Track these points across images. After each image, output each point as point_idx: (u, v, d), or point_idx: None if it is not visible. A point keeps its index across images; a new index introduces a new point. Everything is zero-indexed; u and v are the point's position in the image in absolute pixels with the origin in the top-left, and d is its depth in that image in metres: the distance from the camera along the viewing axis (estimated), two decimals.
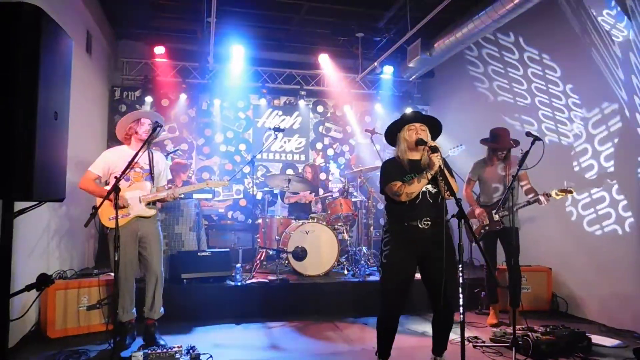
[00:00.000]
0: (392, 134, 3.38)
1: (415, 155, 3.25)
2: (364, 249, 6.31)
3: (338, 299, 5.34)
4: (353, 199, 6.66)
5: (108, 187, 3.88)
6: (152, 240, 4.03)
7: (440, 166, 3.01)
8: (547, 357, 3.76)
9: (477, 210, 4.83)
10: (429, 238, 3.14)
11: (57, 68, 1.93)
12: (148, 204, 4.01)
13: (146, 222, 4.02)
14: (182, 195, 4.40)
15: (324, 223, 6.11)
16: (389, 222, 3.31)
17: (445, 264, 2.98)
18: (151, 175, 4.08)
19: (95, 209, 3.39)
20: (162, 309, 4.11)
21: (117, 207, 3.47)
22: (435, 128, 3.37)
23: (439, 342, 3.30)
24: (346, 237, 6.42)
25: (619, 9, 4.62)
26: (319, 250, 5.83)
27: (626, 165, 4.76)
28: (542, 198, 4.47)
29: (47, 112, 1.83)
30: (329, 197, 7.00)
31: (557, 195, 4.41)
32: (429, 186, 3.17)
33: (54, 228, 4.90)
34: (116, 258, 3.45)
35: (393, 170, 3.24)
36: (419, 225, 3.14)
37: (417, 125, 3.25)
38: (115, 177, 3.59)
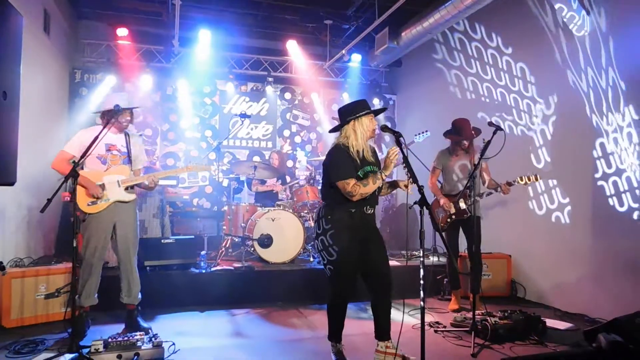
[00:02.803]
0: (353, 113, 3.26)
1: (362, 146, 3.28)
2: None
3: (303, 286, 5.36)
4: (319, 187, 6.66)
5: (84, 170, 3.84)
6: (129, 226, 4.00)
7: (405, 156, 3.05)
8: (505, 341, 3.88)
9: (442, 200, 4.90)
10: (370, 222, 3.33)
11: (4, 46, 1.84)
12: (127, 188, 3.95)
13: (124, 207, 3.97)
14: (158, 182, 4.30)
15: (290, 210, 6.11)
16: (333, 207, 3.29)
17: (381, 249, 3.32)
18: (129, 159, 4.01)
19: (52, 196, 3.28)
20: (139, 294, 4.08)
21: (75, 191, 3.39)
22: None
23: (384, 326, 3.34)
24: (312, 224, 6.44)
25: (578, 4, 4.75)
26: (285, 237, 5.83)
27: (582, 156, 4.92)
28: (503, 187, 4.59)
29: None
30: (296, 185, 6.98)
31: (522, 181, 4.51)
32: None
33: (10, 215, 4.74)
34: (74, 244, 3.37)
35: (345, 163, 3.21)
36: (366, 211, 3.29)
37: (373, 116, 3.33)
38: (75, 161, 3.49)
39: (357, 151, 3.24)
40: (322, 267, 5.54)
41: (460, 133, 4.85)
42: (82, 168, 3.87)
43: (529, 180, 4.51)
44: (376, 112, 3.37)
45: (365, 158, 3.28)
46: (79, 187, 3.66)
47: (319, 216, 3.37)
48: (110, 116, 3.82)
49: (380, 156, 3.64)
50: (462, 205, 4.79)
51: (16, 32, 1.94)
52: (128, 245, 3.99)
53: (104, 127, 3.71)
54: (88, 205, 3.78)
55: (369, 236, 3.31)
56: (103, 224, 3.84)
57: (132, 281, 4.03)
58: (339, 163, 3.23)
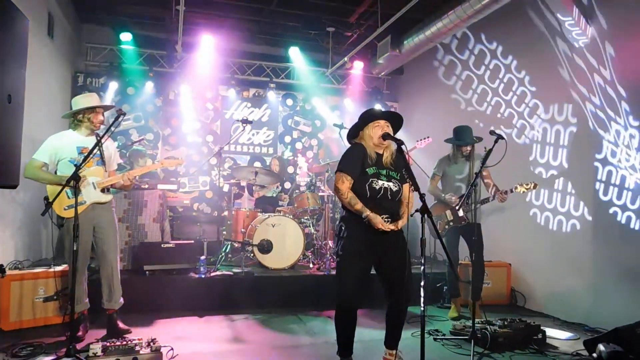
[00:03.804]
0: (356, 131, 3.36)
1: (379, 150, 3.29)
2: (330, 243, 6.34)
3: (302, 292, 5.35)
4: (320, 193, 6.67)
5: (57, 175, 3.75)
6: (107, 229, 3.94)
7: (407, 164, 3.06)
8: (504, 349, 3.86)
9: (447, 196, 4.88)
10: (387, 233, 3.18)
11: (10, 48, 1.84)
12: (103, 190, 3.91)
13: (101, 209, 3.92)
14: (138, 179, 4.25)
15: (291, 216, 6.10)
16: (347, 215, 3.29)
17: (402, 259, 3.12)
18: (102, 160, 3.95)
19: (47, 199, 3.27)
20: (121, 298, 4.04)
21: (77, 195, 3.38)
22: (398, 124, 3.41)
23: (394, 335, 3.33)
24: (312, 230, 6.44)
25: (579, 14, 4.77)
26: (285, 243, 5.82)
27: (582, 164, 4.94)
28: (499, 195, 4.57)
29: None
30: (296, 191, 6.99)
31: (520, 189, 4.50)
32: (390, 184, 3.22)
33: (9, 217, 4.74)
34: (75, 248, 3.36)
35: (356, 159, 3.23)
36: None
37: (382, 122, 3.28)
38: (75, 165, 3.50)
39: (370, 154, 3.24)
40: (322, 273, 5.60)
41: (460, 138, 4.87)
42: (56, 173, 3.80)
43: (527, 188, 4.51)
44: (381, 117, 3.31)
45: (383, 163, 3.26)
46: (55, 193, 3.55)
47: (338, 225, 3.34)
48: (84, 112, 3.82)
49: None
50: (460, 212, 4.79)
51: (22, 35, 1.95)
52: (107, 248, 3.93)
53: (108, 129, 3.70)
54: (65, 209, 3.71)
55: (385, 248, 3.21)
56: (82, 228, 3.71)
57: (113, 286, 3.96)
58: (348, 156, 3.27)
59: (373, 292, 3.38)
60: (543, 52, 5.45)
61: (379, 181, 3.20)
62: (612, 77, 4.65)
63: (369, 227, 3.16)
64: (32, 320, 4.19)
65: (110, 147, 4.09)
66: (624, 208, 4.49)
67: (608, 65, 4.68)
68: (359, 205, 3.13)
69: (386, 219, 3.18)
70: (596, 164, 4.77)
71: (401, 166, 3.27)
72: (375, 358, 3.50)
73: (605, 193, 4.68)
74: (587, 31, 4.85)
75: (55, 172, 3.81)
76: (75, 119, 3.91)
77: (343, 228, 3.26)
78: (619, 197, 4.55)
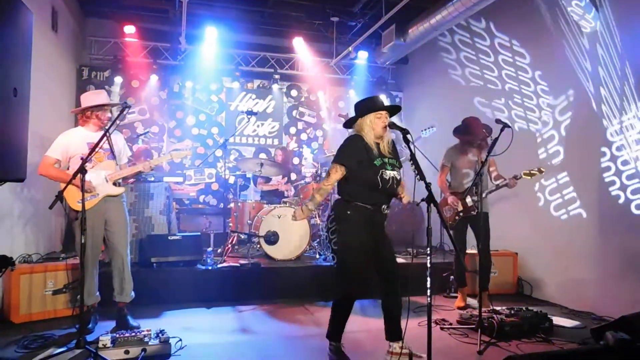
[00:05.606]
0: (356, 119, 3.35)
1: (378, 141, 3.30)
2: None
3: (309, 283, 5.36)
4: None
5: (69, 172, 3.77)
6: (119, 222, 3.97)
7: (412, 152, 3.05)
8: (511, 338, 3.87)
9: (450, 198, 4.88)
10: (382, 221, 3.30)
11: (15, 42, 1.85)
12: (115, 183, 3.95)
13: (113, 202, 3.96)
14: (153, 169, 4.28)
15: (296, 207, 6.09)
16: (349, 203, 3.25)
17: (392, 250, 3.32)
18: (113, 155, 3.98)
19: (60, 192, 3.30)
20: (132, 292, 4.07)
21: (83, 188, 3.40)
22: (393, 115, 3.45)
23: (396, 327, 3.29)
24: (318, 221, 6.45)
25: (587, 0, 4.71)
26: (291, 234, 5.83)
27: (589, 152, 4.90)
28: (510, 181, 4.56)
29: (4, 87, 1.76)
30: (302, 182, 6.99)
31: (527, 175, 4.49)
32: (394, 173, 3.25)
33: (18, 212, 4.76)
34: (82, 241, 3.38)
35: (355, 152, 3.23)
36: (383, 211, 3.25)
37: (384, 113, 3.29)
38: (82, 158, 3.51)
39: (370, 145, 3.24)
40: (328, 264, 5.61)
41: (470, 132, 4.83)
42: (67, 169, 3.83)
43: (534, 173, 4.48)
44: (385, 109, 3.30)
45: (381, 152, 3.28)
46: (69, 186, 3.53)
47: (335, 213, 3.35)
48: (93, 110, 3.86)
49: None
50: (470, 202, 4.78)
51: (27, 29, 1.95)
52: (119, 241, 3.96)
53: (113, 122, 3.71)
54: (78, 203, 3.69)
55: (380, 234, 3.29)
56: (94, 221, 3.80)
57: (125, 279, 4.00)
58: (346, 149, 3.29)
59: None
60: (550, 38, 5.39)
61: (387, 172, 3.21)
62: (620, 63, 4.60)
63: (365, 216, 3.19)
64: (42, 312, 4.24)
65: (119, 141, 4.13)
66: (630, 196, 4.46)
67: (616, 50, 4.63)
68: (312, 205, 3.35)
69: (385, 208, 3.28)
70: (603, 151, 4.74)
71: (397, 154, 3.38)
72: (384, 347, 3.51)
73: (612, 181, 4.64)
74: (595, 17, 4.79)
75: (68, 169, 3.84)
76: (83, 115, 3.95)
77: (344, 219, 3.26)
78: (625, 186, 4.51)
